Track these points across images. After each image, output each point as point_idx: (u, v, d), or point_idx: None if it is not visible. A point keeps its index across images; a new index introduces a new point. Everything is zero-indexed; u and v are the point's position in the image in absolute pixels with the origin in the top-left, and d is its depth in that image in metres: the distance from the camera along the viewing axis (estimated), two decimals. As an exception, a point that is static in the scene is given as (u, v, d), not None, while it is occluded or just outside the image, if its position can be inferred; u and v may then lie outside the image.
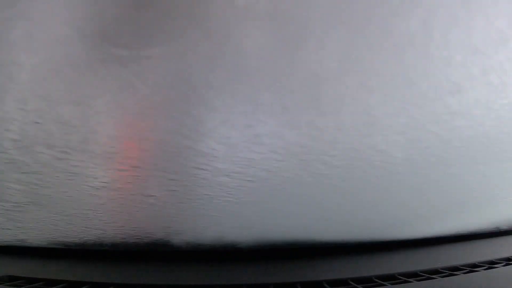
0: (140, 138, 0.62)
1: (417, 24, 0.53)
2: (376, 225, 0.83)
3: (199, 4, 0.48)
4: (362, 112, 0.60)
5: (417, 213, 0.84)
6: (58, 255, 0.87)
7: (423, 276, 0.72)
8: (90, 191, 0.69)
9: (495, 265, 0.77)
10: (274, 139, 0.62)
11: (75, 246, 0.88)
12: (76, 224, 0.77)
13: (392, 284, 0.69)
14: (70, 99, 0.55)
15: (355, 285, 0.69)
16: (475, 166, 0.76)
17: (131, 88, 0.54)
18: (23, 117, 0.56)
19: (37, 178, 0.68)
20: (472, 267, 0.76)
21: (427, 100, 0.61)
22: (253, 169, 0.65)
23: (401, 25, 0.53)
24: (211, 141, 0.62)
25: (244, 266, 0.79)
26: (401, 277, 0.71)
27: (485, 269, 0.75)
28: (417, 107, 0.62)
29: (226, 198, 0.71)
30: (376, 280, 0.71)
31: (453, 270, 0.74)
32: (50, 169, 0.65)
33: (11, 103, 0.54)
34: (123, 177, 0.69)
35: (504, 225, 0.97)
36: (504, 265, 0.77)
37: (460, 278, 0.72)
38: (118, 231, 0.78)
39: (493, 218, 0.93)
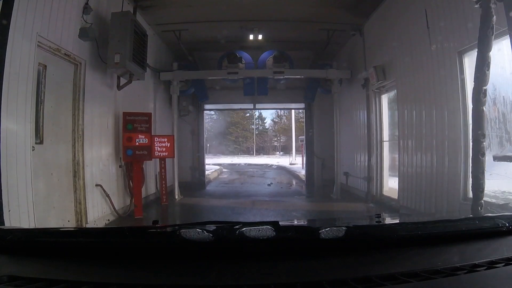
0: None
1: None
2: None
3: None
4: None
5: None
6: (58, 255, 0.87)
7: (423, 276, 0.72)
8: None
9: (495, 265, 0.77)
10: None
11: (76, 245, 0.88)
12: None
13: (392, 284, 0.69)
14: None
15: (355, 285, 0.69)
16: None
17: None
18: None
19: None
20: (472, 267, 0.75)
21: None
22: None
23: None
24: None
25: (245, 267, 0.79)
26: (401, 277, 0.71)
27: (485, 269, 0.75)
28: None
29: None
30: (376, 280, 0.70)
31: (453, 270, 0.74)
32: None
33: None
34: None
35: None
36: (504, 265, 0.77)
37: (460, 278, 0.72)
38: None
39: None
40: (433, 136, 4.27)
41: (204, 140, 10.37)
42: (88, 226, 3.87)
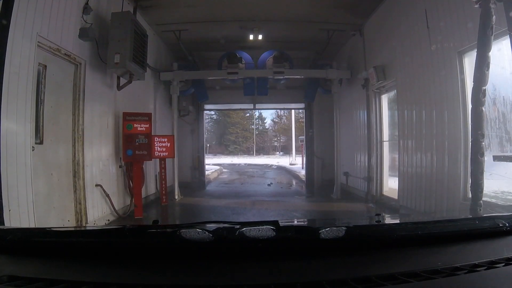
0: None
1: None
2: None
3: None
4: None
5: None
6: (58, 255, 0.87)
7: (423, 276, 0.72)
8: None
9: (495, 265, 0.77)
10: None
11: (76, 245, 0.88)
12: None
13: (392, 284, 0.69)
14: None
15: (355, 285, 0.69)
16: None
17: None
18: None
19: None
20: (472, 267, 0.75)
21: None
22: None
23: None
24: None
25: (245, 267, 0.79)
26: (401, 277, 0.71)
27: (485, 269, 0.75)
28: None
29: None
30: (376, 280, 0.70)
31: (453, 270, 0.74)
32: None
33: None
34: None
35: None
36: (504, 265, 0.77)
37: (460, 278, 0.72)
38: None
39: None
40: (433, 136, 4.27)
41: (204, 140, 10.37)
42: (88, 226, 3.87)
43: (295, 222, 1.95)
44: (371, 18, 6.12)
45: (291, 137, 23.89)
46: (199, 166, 9.42)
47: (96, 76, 4.39)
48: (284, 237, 0.84)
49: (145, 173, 5.58)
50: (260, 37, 7.22)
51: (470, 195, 2.84)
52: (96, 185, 4.31)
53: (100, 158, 4.50)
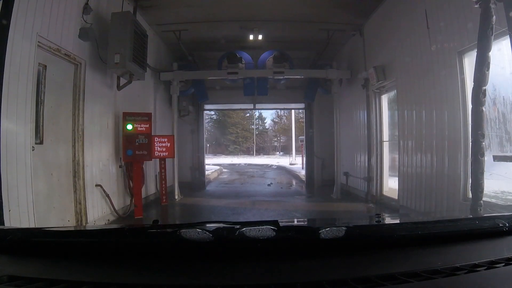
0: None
1: None
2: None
3: None
4: None
5: None
6: (58, 255, 0.87)
7: (423, 276, 0.72)
8: None
9: (495, 265, 0.77)
10: None
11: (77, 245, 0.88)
12: None
13: (392, 284, 0.69)
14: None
15: (355, 285, 0.69)
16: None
17: None
18: None
19: None
20: (472, 267, 0.75)
21: None
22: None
23: None
24: None
25: (245, 267, 0.79)
26: (401, 277, 0.71)
27: (485, 269, 0.75)
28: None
29: None
30: (376, 280, 0.70)
31: (453, 270, 0.74)
32: None
33: None
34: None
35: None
36: (504, 265, 0.77)
37: (460, 278, 0.72)
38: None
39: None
40: (433, 136, 4.27)
41: (204, 140, 10.37)
42: (88, 226, 3.87)
43: (295, 222, 1.95)
44: (371, 18, 6.12)
45: (291, 137, 23.88)
46: (199, 166, 9.43)
47: (96, 76, 4.39)
48: (284, 237, 0.84)
49: (145, 173, 5.58)
50: (260, 37, 7.22)
51: (470, 195, 2.84)
52: (96, 185, 4.31)
53: (100, 158, 4.50)
